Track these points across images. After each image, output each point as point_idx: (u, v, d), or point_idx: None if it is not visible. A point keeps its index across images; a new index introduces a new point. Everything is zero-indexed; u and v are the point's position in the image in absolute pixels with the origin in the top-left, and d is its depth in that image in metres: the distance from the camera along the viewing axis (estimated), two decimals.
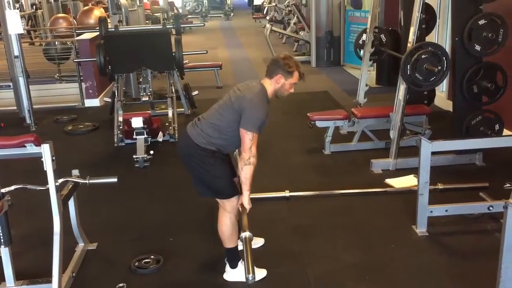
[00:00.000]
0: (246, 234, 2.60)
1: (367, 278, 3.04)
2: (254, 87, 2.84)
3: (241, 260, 3.04)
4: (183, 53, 6.09)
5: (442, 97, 6.44)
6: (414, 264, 3.17)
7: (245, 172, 2.76)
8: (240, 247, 3.07)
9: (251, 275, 2.37)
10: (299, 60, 10.61)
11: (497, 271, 2.33)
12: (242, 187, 2.83)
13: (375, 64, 7.43)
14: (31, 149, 2.79)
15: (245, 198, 2.83)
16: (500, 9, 4.40)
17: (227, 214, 2.94)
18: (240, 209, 2.86)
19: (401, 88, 4.53)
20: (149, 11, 12.83)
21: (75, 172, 3.16)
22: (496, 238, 3.19)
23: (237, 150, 3.18)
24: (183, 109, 6.63)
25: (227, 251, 3.03)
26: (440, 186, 3.70)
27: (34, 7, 11.81)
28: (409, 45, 4.44)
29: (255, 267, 3.03)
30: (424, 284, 2.98)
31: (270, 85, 2.87)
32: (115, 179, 3.13)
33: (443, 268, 3.13)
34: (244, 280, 2.97)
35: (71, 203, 3.24)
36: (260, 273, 3.04)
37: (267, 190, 4.09)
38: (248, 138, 2.73)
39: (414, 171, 3.88)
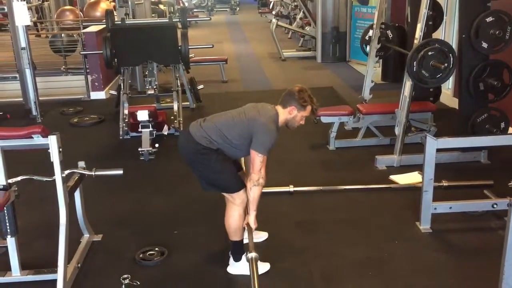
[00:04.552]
0: (252, 254, 2.62)
1: (370, 273, 3.05)
2: (269, 111, 2.90)
3: (245, 253, 3.05)
4: (189, 47, 6.10)
5: (448, 94, 6.42)
6: (417, 260, 3.18)
7: (254, 193, 2.81)
8: (246, 241, 3.10)
9: None
10: (305, 56, 10.58)
11: (500, 268, 2.34)
12: (249, 207, 2.87)
13: (381, 60, 7.41)
14: (38, 140, 2.80)
15: (251, 218, 2.88)
16: (508, 6, 4.38)
17: (235, 207, 2.95)
18: (246, 227, 2.90)
19: (407, 85, 4.53)
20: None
21: (81, 164, 3.17)
22: (499, 236, 3.19)
23: (242, 169, 3.22)
24: (188, 103, 6.64)
25: (232, 244, 3.05)
26: (444, 183, 3.70)
27: None
28: (415, 41, 4.43)
29: (258, 261, 3.06)
30: (427, 281, 2.99)
31: (283, 114, 2.93)
32: (120, 172, 3.15)
33: (446, 264, 3.14)
34: (247, 273, 3.00)
35: (77, 195, 3.26)
36: (264, 267, 3.06)
37: (271, 184, 4.10)
38: (259, 160, 2.78)
39: (419, 168, 3.88)
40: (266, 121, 2.83)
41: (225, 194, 3.00)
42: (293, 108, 2.91)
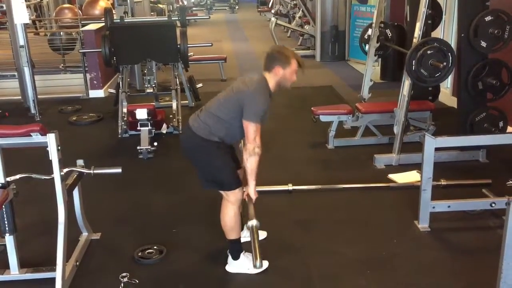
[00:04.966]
0: (253, 222, 2.61)
1: (368, 272, 3.05)
2: (256, 80, 2.86)
3: (243, 251, 3.06)
4: (188, 46, 6.10)
5: (446, 93, 6.43)
6: (415, 259, 3.19)
7: (250, 163, 2.77)
8: (243, 239, 3.10)
9: (258, 261, 2.37)
10: (304, 54, 10.56)
11: (498, 267, 2.34)
12: (248, 178, 2.84)
13: (380, 59, 7.41)
14: (37, 138, 2.79)
15: (251, 189, 2.85)
16: (507, 6, 4.38)
17: (230, 205, 2.95)
18: (246, 199, 2.88)
19: (406, 84, 4.53)
20: None
21: (80, 162, 3.18)
22: (498, 235, 3.20)
23: (242, 142, 3.20)
24: (187, 102, 6.63)
25: (229, 242, 3.05)
26: (443, 182, 3.70)
27: None
28: (414, 40, 4.43)
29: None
30: (425, 279, 2.99)
31: (271, 78, 2.88)
32: (119, 170, 3.15)
33: (444, 263, 3.14)
34: (246, 271, 3.01)
35: (76, 193, 3.25)
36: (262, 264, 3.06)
37: (270, 183, 4.11)
38: (252, 129, 2.75)
39: (417, 166, 3.88)
40: (254, 89, 2.80)
41: (220, 191, 3.00)
42: (278, 68, 2.86)
